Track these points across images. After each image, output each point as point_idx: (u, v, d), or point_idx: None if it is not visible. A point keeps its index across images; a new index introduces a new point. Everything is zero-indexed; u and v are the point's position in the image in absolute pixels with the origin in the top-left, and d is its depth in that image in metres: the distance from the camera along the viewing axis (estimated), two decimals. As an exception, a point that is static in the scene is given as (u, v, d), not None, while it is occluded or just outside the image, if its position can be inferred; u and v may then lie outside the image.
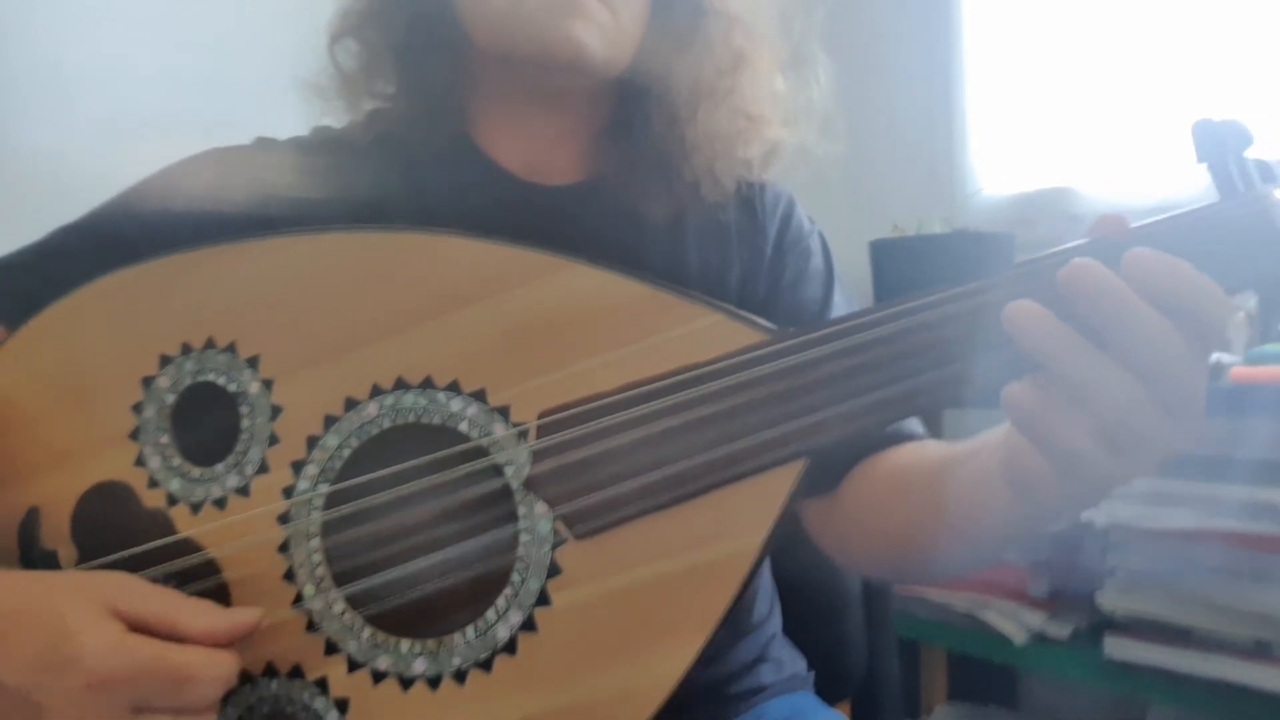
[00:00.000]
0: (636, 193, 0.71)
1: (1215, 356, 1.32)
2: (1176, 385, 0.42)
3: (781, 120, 0.74)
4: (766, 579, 0.84)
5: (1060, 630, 1.33)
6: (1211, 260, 0.43)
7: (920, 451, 0.67)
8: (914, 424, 0.71)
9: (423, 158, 0.72)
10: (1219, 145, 0.48)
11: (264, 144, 0.74)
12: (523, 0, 0.64)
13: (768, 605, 0.83)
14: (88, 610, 0.48)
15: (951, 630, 1.41)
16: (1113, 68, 1.63)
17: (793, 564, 0.87)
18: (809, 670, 0.85)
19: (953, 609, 1.39)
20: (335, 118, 0.75)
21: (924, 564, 0.64)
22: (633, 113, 0.73)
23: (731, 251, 0.76)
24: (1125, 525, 1.21)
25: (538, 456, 0.53)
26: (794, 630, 0.86)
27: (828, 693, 0.85)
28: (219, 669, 0.49)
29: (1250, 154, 0.48)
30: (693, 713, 0.73)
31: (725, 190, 0.73)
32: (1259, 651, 1.13)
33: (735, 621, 0.78)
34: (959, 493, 0.56)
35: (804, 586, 0.89)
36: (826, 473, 0.69)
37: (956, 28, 1.85)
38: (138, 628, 0.49)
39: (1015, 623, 1.34)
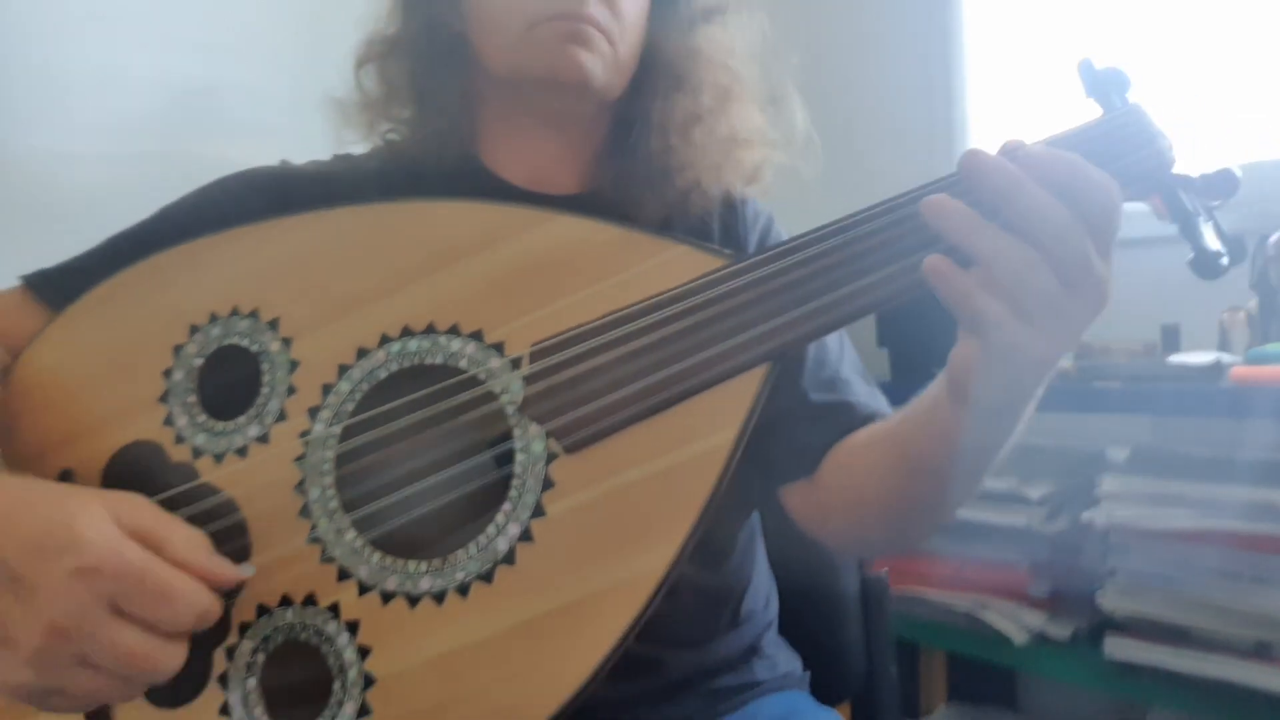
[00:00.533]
0: (630, 203, 0.77)
1: (1215, 356, 1.32)
2: (1067, 252, 0.48)
3: (765, 143, 0.81)
4: (764, 572, 0.85)
5: (1060, 631, 1.33)
6: (1105, 165, 0.50)
7: (886, 420, 0.71)
8: (882, 403, 0.76)
9: (432, 174, 0.77)
10: (1102, 84, 0.58)
11: (287, 165, 0.80)
12: (536, 30, 0.72)
13: (763, 599, 0.83)
14: (92, 509, 0.51)
15: (951, 631, 1.41)
16: (1112, 65, 1.62)
17: (791, 567, 0.87)
18: (805, 671, 0.85)
19: (953, 610, 1.40)
20: (353, 134, 0.81)
21: (907, 516, 0.68)
22: (628, 134, 0.80)
23: None
24: (1126, 526, 1.21)
25: (530, 382, 0.58)
26: (793, 633, 0.86)
27: (827, 695, 0.85)
28: (198, 598, 0.51)
29: (1131, 95, 0.58)
30: (684, 706, 0.74)
31: (711, 202, 0.80)
32: (1259, 652, 1.13)
33: (725, 598, 0.79)
34: (916, 426, 0.63)
35: (802, 589, 0.89)
36: (805, 457, 0.73)
37: (956, 26, 1.85)
38: (136, 539, 0.51)
39: (1015, 623, 1.34)
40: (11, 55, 1.20)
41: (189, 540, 0.53)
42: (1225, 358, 1.20)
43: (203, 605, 0.51)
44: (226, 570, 0.54)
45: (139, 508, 0.53)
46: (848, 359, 0.78)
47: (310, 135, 0.79)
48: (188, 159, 0.73)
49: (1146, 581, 1.21)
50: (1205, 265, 0.55)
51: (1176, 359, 1.23)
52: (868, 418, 0.73)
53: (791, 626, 0.86)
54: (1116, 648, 1.23)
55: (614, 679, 0.54)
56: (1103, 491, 1.24)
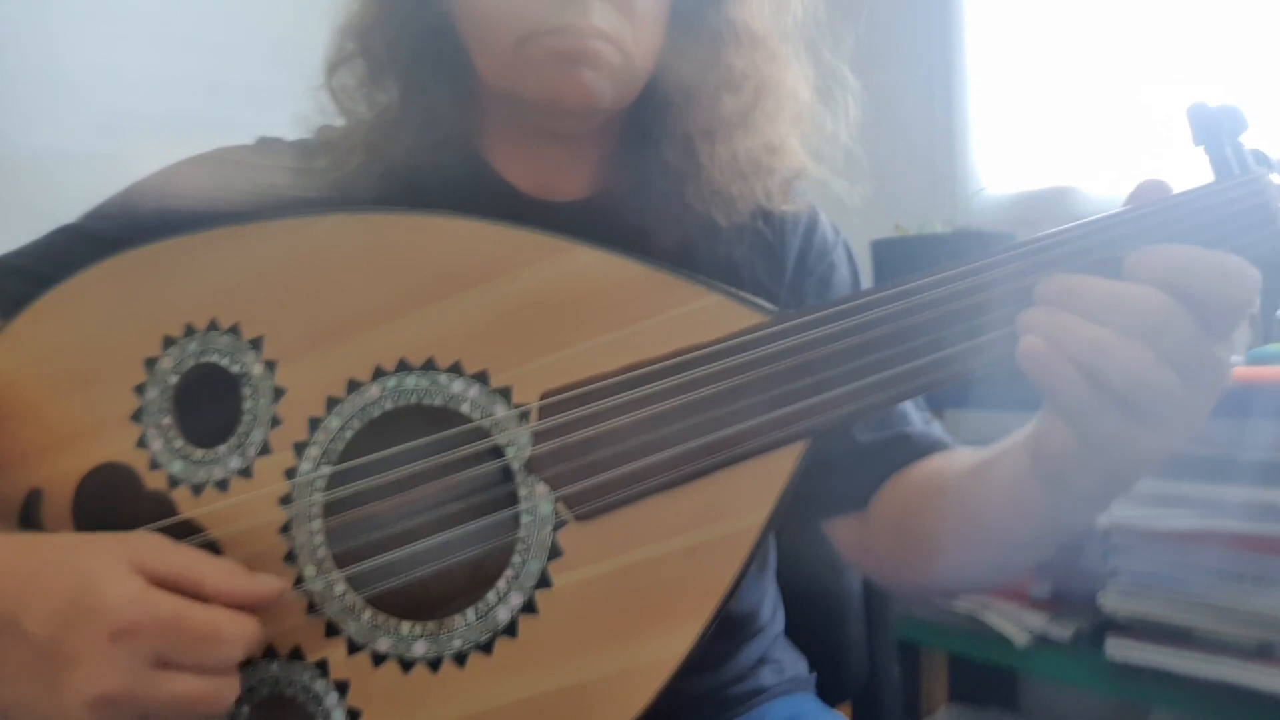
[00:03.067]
0: (644, 212, 0.69)
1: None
2: (1176, 344, 0.43)
3: (804, 149, 0.72)
4: (771, 584, 0.84)
5: (1062, 632, 1.33)
6: (1206, 240, 0.45)
7: (949, 460, 0.66)
8: (940, 433, 0.71)
9: (432, 173, 0.69)
10: (1214, 129, 0.50)
11: (266, 144, 0.73)
12: (529, 46, 0.62)
13: (771, 610, 0.83)
14: (111, 565, 0.49)
15: (953, 632, 1.41)
16: (1113, 67, 1.62)
17: (793, 567, 0.87)
18: (810, 672, 0.85)
19: (954, 610, 1.39)
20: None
21: (961, 572, 0.64)
22: (646, 133, 0.71)
23: (743, 274, 0.73)
24: (1127, 527, 1.21)
25: (539, 437, 0.53)
26: (795, 633, 0.86)
27: (829, 695, 0.84)
28: (242, 629, 0.50)
29: (1245, 139, 0.50)
30: (693, 713, 0.73)
31: (740, 218, 0.71)
32: (1261, 653, 1.12)
33: (740, 627, 0.78)
34: (992, 494, 0.56)
35: (805, 589, 0.89)
36: (856, 491, 0.69)
37: (958, 28, 1.85)
38: (162, 584, 0.49)
39: (1017, 624, 1.33)
40: (12, 54, 1.20)
41: (220, 571, 0.51)
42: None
43: (248, 635, 0.50)
44: (266, 587, 0.52)
45: (160, 551, 0.51)
46: None
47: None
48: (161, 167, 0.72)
49: (1148, 582, 1.20)
50: None
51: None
52: (926, 449, 0.69)
53: (794, 626, 0.86)
54: (1118, 649, 1.22)
55: None
56: (1104, 492, 1.24)
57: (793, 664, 0.83)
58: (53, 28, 1.24)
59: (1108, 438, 0.45)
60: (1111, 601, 1.23)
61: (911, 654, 1.56)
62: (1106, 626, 1.25)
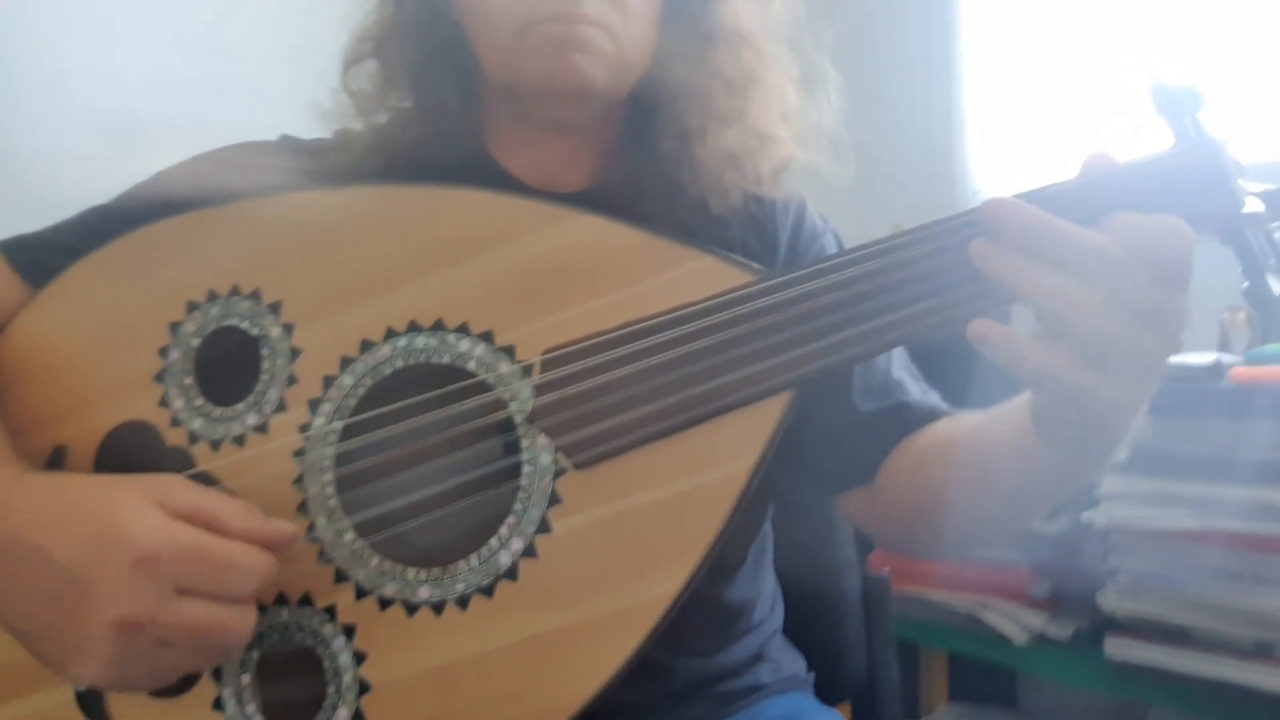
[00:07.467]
0: (642, 201, 0.70)
1: (1215, 356, 1.31)
2: (1126, 287, 0.45)
3: (792, 138, 0.75)
4: (771, 577, 0.84)
5: (1061, 631, 1.33)
6: (1169, 200, 0.47)
7: (953, 423, 0.69)
8: (938, 401, 0.73)
9: (437, 167, 0.72)
10: (1175, 103, 0.53)
11: (288, 141, 0.76)
12: (527, 34, 0.66)
13: (769, 606, 0.83)
14: (136, 499, 0.52)
15: (952, 631, 1.41)
16: (1111, 67, 1.63)
17: (792, 566, 0.87)
18: (809, 671, 0.85)
19: (953, 610, 1.39)
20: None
21: (971, 530, 0.66)
22: (643, 129, 0.74)
23: (737, 252, 0.74)
24: (1126, 526, 1.21)
25: (540, 391, 0.56)
26: (793, 632, 0.86)
27: (828, 694, 0.85)
28: (257, 560, 0.52)
29: (1202, 116, 0.53)
30: (690, 709, 0.73)
31: (733, 204, 0.74)
32: (1260, 652, 1.13)
33: (737, 617, 0.78)
34: (998, 450, 0.59)
35: (803, 589, 0.89)
36: (862, 464, 0.71)
37: (955, 29, 1.85)
38: (183, 520, 0.52)
39: (1016, 624, 1.33)
40: (10, 52, 1.20)
41: (237, 508, 0.54)
42: (1225, 358, 1.20)
43: (262, 567, 0.52)
44: (281, 530, 0.54)
45: (180, 489, 0.54)
46: (897, 358, 0.75)
47: (312, 134, 0.78)
48: (189, 156, 0.73)
49: (1147, 581, 1.20)
50: (1264, 309, 0.52)
51: (1176, 359, 1.23)
52: (926, 416, 0.71)
53: (793, 626, 0.86)
54: (1117, 648, 1.22)
55: (623, 683, 0.53)
56: (1103, 491, 1.24)
57: (791, 663, 0.83)
58: (51, 28, 1.24)
59: (1066, 387, 0.46)
60: (1111, 601, 1.23)
61: (911, 653, 1.56)
62: (1106, 626, 1.25)
